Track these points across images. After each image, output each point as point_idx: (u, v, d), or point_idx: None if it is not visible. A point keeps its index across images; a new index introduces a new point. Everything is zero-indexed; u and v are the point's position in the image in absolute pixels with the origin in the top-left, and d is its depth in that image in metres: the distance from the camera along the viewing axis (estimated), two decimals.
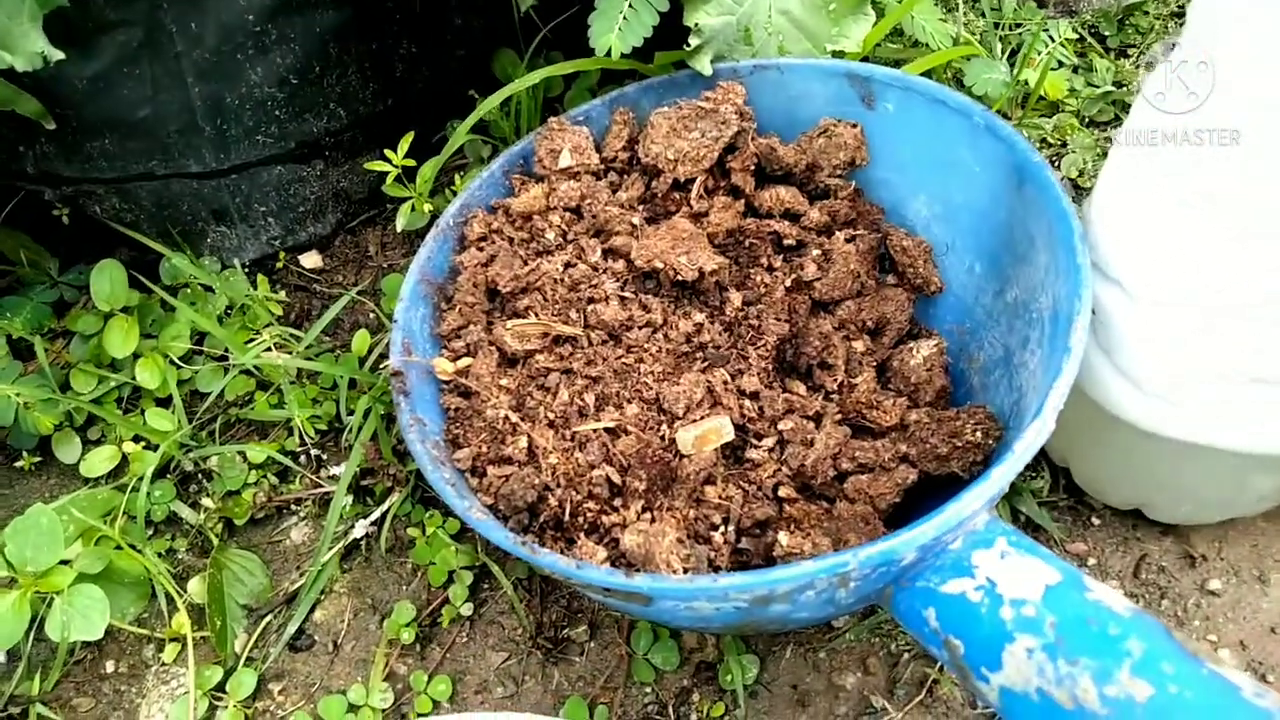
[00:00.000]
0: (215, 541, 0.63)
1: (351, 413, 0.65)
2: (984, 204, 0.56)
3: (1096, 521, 0.59)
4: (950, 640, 0.40)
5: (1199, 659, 0.34)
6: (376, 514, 0.63)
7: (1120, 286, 0.48)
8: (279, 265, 0.78)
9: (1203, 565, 0.56)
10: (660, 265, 0.53)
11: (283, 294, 0.75)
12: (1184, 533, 0.57)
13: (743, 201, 0.59)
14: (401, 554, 0.63)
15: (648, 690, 0.55)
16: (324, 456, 0.68)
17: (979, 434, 0.49)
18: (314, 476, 0.66)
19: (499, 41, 0.83)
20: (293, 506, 0.66)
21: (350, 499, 0.64)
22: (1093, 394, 0.52)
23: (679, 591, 0.40)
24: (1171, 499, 0.55)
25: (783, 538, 0.46)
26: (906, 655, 0.54)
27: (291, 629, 0.60)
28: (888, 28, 0.65)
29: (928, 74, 0.68)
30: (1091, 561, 0.57)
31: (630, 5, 0.59)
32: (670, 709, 0.54)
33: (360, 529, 0.63)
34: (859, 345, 0.57)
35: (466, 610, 0.59)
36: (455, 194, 0.64)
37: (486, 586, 0.60)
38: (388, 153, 0.70)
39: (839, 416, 0.53)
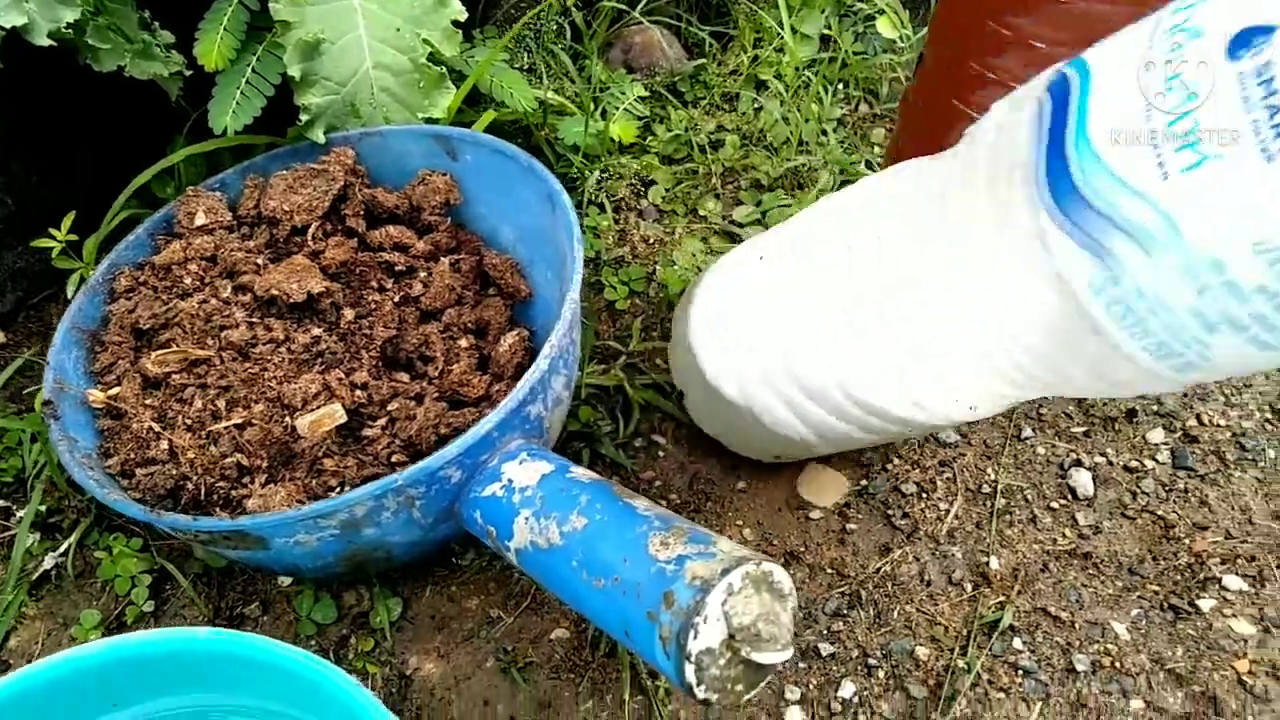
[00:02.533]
0: None
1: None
2: (542, 226, 0.73)
3: (662, 455, 0.76)
4: (489, 529, 0.55)
5: (620, 499, 0.51)
6: (64, 545, 0.71)
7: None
8: None
9: (735, 470, 0.75)
10: (276, 292, 0.66)
11: None
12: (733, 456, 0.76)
13: (357, 240, 0.74)
14: (91, 577, 0.71)
15: (312, 643, 0.67)
16: (13, 508, 0.75)
17: None
18: (3, 522, 0.73)
19: (170, 124, 0.93)
20: None
21: (38, 536, 0.71)
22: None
23: (273, 524, 0.53)
24: (736, 438, 0.73)
25: None
26: (516, 574, 0.69)
27: None
28: (465, 93, 0.82)
29: (509, 130, 0.86)
30: (658, 483, 0.75)
31: (241, 93, 0.72)
32: (332, 653, 0.66)
33: (50, 560, 0.70)
34: (464, 342, 0.73)
35: (149, 608, 0.68)
36: None
37: (168, 588, 0.69)
38: (52, 230, 0.79)
39: (437, 395, 0.68)
